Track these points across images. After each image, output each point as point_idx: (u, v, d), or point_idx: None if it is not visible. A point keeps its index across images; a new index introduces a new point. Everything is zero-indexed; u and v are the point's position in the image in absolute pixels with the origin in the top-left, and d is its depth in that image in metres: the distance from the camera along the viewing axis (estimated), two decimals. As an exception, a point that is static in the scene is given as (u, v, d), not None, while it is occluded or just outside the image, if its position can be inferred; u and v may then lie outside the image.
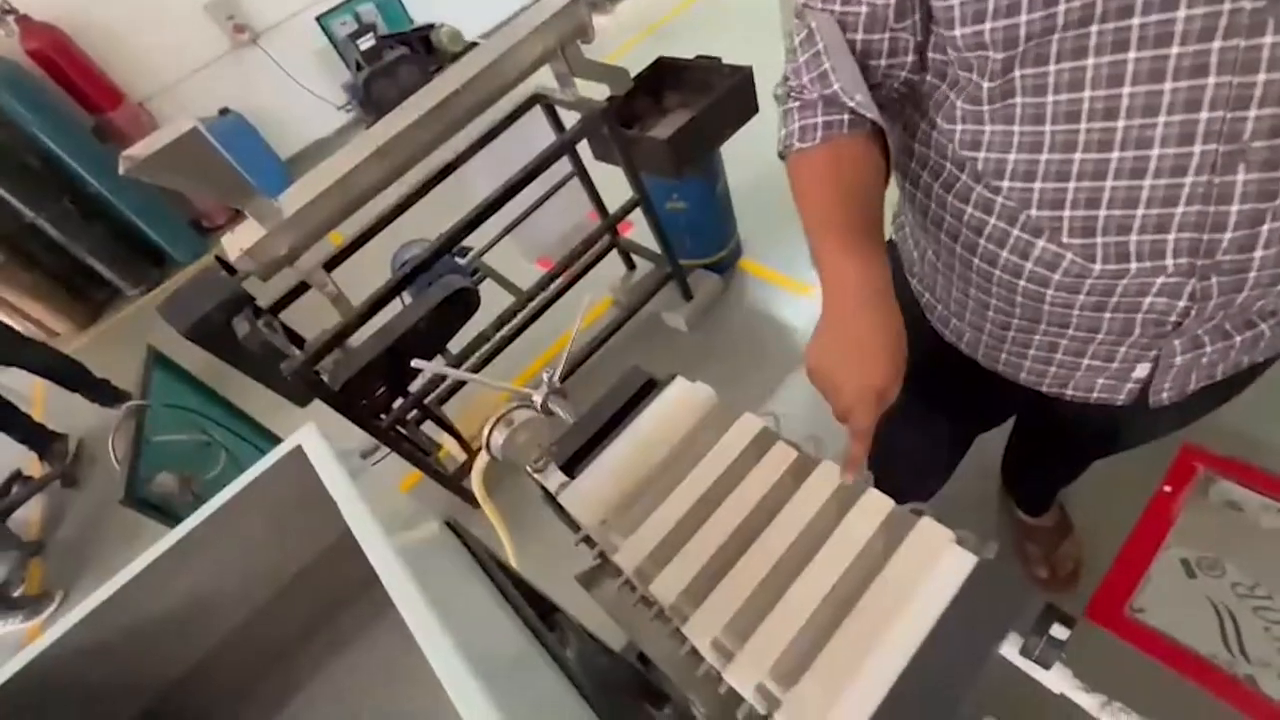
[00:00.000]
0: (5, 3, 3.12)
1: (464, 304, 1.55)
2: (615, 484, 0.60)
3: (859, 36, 0.57)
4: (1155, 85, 0.45)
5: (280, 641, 0.54)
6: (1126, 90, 0.46)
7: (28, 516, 2.67)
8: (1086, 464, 1.11)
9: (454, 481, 1.78)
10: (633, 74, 1.63)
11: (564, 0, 1.46)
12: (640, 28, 4.12)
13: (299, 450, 0.47)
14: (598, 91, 1.59)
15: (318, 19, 4.05)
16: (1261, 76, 0.43)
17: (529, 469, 0.64)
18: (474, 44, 3.94)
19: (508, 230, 1.95)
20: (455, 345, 1.67)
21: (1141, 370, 0.64)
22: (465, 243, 1.63)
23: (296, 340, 1.54)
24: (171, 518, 1.24)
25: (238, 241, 1.24)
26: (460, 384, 1.83)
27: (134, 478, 1.21)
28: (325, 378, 1.38)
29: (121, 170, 1.06)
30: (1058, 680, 0.49)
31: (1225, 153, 0.46)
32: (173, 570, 0.48)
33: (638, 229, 2.19)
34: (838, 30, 0.57)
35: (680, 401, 0.65)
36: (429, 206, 1.61)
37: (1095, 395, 0.69)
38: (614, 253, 2.16)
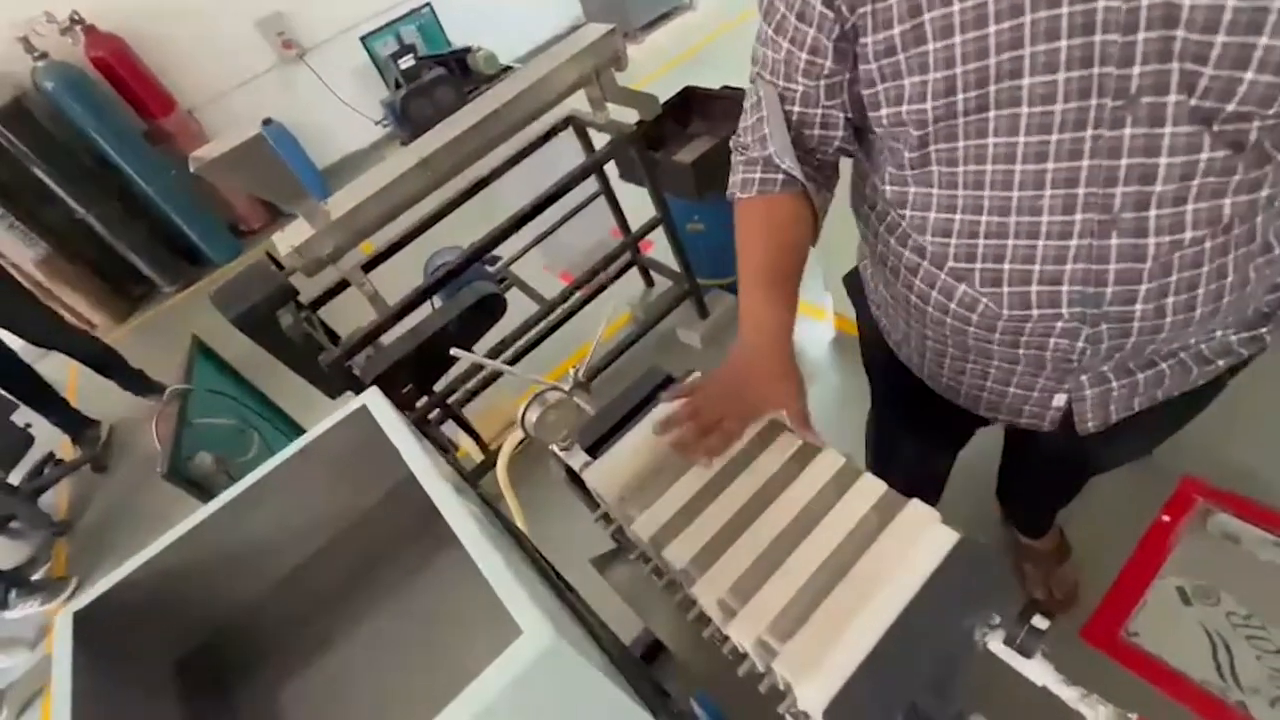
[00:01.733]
0: (75, 13, 3.32)
1: (491, 309, 1.63)
2: (634, 464, 0.66)
3: (795, 109, 0.65)
4: (1041, 165, 0.54)
5: (331, 585, 0.60)
6: (1019, 167, 0.55)
7: (56, 500, 2.77)
8: (1071, 486, 1.16)
9: (470, 481, 1.84)
10: (661, 101, 1.72)
11: (601, 31, 1.56)
12: (670, 58, 4.27)
13: (364, 409, 0.54)
14: (628, 115, 1.68)
15: (362, 38, 4.25)
16: (1124, 161, 0.51)
17: (556, 447, 0.70)
18: (509, 67, 4.11)
19: (536, 242, 2.04)
20: (481, 348, 1.74)
21: (1060, 400, 0.72)
22: (495, 252, 1.71)
23: (332, 336, 1.62)
24: (206, 493, 1.31)
25: (288, 239, 1.33)
26: (482, 387, 1.90)
27: (176, 455, 1.28)
28: (357, 371, 1.46)
29: (191, 168, 1.16)
30: (1040, 672, 0.53)
31: (1100, 221, 0.54)
32: (242, 513, 0.54)
33: (658, 247, 2.27)
34: (778, 102, 0.65)
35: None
36: (462, 216, 1.70)
37: (1024, 420, 0.77)
38: (634, 269, 2.24)
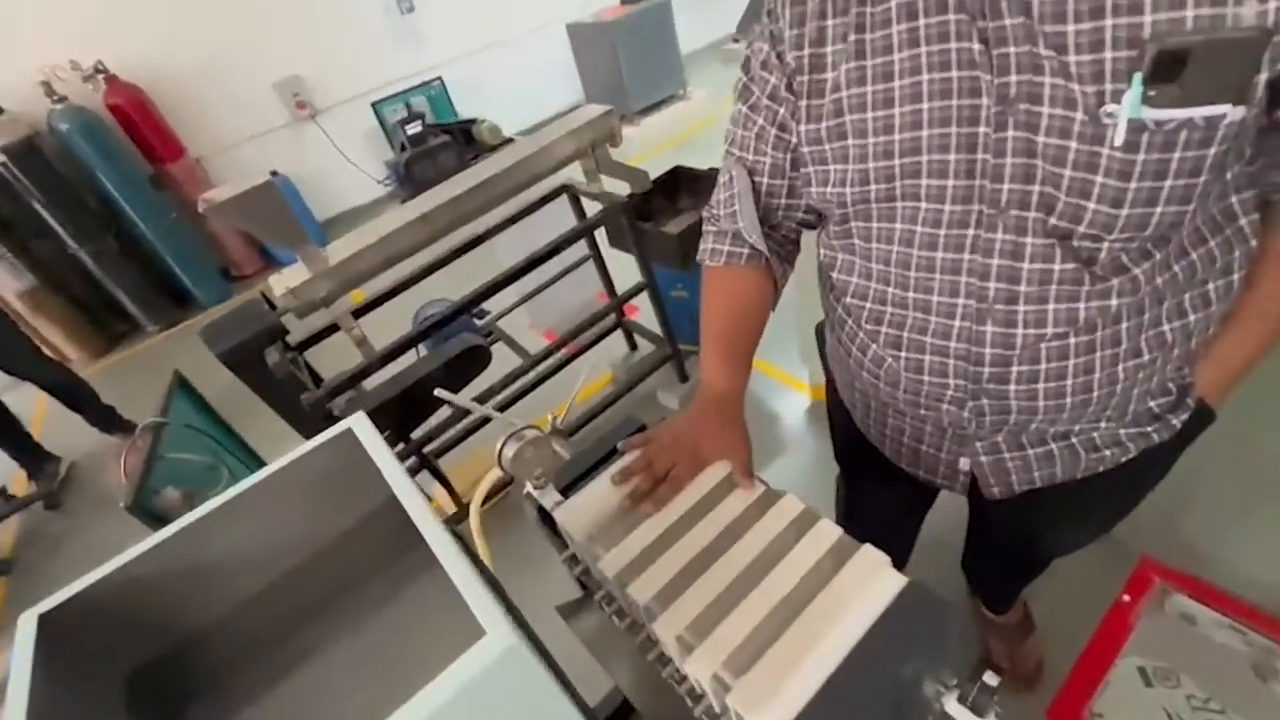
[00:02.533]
0: (100, 63, 3.48)
1: (476, 361, 1.67)
2: (603, 505, 0.69)
3: (765, 180, 0.73)
4: (932, 252, 0.62)
5: (299, 607, 0.60)
6: (916, 251, 0.63)
7: (1, 536, 2.65)
8: (1028, 564, 1.19)
9: (440, 533, 1.81)
10: (652, 177, 1.84)
11: (599, 110, 1.69)
12: (663, 140, 4.54)
13: (349, 432, 0.57)
14: (620, 188, 1.79)
15: (373, 104, 4.48)
16: (996, 260, 0.59)
17: (530, 484, 0.72)
18: (511, 139, 4.34)
19: (524, 300, 2.11)
20: (462, 399, 1.76)
21: (964, 464, 0.78)
22: (484, 306, 1.77)
23: (315, 380, 1.64)
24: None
25: (284, 281, 1.37)
26: (461, 439, 1.91)
27: (143, 488, 1.26)
28: (338, 413, 1.47)
29: (200, 209, 1.21)
30: None
31: (978, 308, 0.62)
32: (217, 527, 0.56)
33: (643, 313, 2.35)
34: (748, 179, 0.73)
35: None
36: (455, 271, 1.77)
37: (940, 480, 0.83)
38: (619, 332, 2.31)
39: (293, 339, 1.53)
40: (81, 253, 3.52)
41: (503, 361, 1.87)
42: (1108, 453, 0.73)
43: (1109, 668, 1.26)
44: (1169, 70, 0.47)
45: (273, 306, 1.40)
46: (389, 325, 1.77)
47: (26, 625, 0.47)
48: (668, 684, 0.61)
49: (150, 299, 3.86)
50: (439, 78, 4.76)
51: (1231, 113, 0.47)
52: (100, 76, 3.50)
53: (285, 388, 1.37)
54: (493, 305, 1.94)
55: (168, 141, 3.78)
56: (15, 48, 3.37)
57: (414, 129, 4.28)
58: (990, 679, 0.63)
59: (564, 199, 1.94)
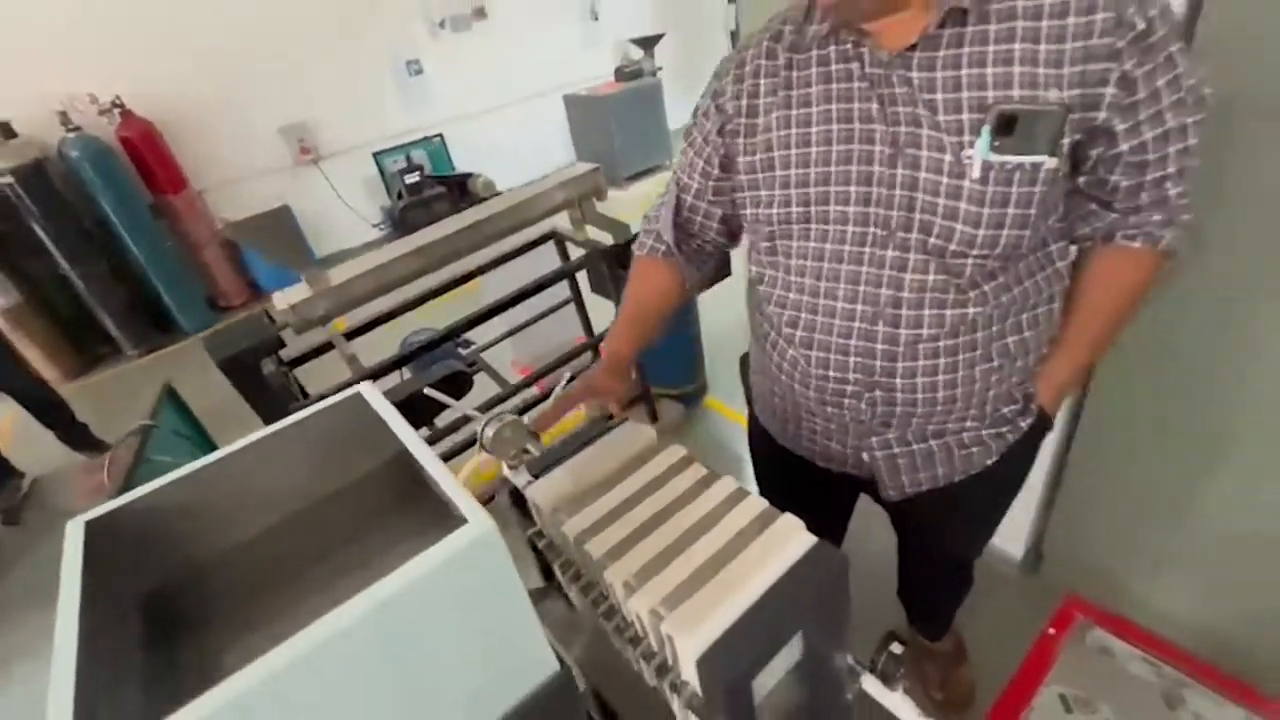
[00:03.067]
0: (117, 97, 3.67)
1: (458, 386, 1.77)
2: (570, 483, 0.79)
3: (689, 199, 0.92)
4: (837, 265, 0.79)
5: (302, 551, 0.69)
6: (825, 264, 0.80)
7: (-50, 550, 2.58)
8: (948, 578, 1.30)
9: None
10: (634, 231, 2.02)
11: (587, 168, 1.88)
12: (645, 201, 4.83)
13: (358, 395, 0.68)
14: (604, 238, 1.97)
15: (375, 154, 4.72)
16: (886, 272, 0.75)
17: (506, 464, 0.82)
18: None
19: (508, 334, 2.23)
20: (441, 421, 1.85)
21: (866, 458, 0.92)
22: (469, 337, 1.89)
23: (303, 394, 1.72)
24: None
25: (287, 298, 1.49)
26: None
27: (129, 485, 1.32)
28: (323, 425, 1.55)
29: (218, 226, 1.33)
30: (902, 707, 0.65)
31: (872, 312, 0.78)
32: (234, 467, 0.65)
33: (619, 356, 2.49)
34: (676, 193, 0.92)
35: (628, 435, 0.86)
36: (445, 308, 1.90)
37: (849, 468, 0.96)
38: (595, 373, 2.43)
39: (287, 354, 1.63)
40: (72, 273, 3.59)
41: (484, 392, 1.97)
42: (975, 451, 0.88)
43: (1033, 695, 1.35)
44: (1006, 127, 0.66)
45: (273, 322, 1.51)
46: (377, 351, 1.88)
47: (75, 530, 0.56)
48: (616, 660, 0.70)
49: (134, 323, 3.90)
50: (440, 134, 5.04)
51: (1048, 161, 0.66)
52: (116, 110, 3.67)
53: (276, 398, 1.46)
54: (479, 340, 2.06)
55: (172, 174, 3.93)
56: (38, 77, 3.55)
57: (412, 179, 4.51)
58: (896, 649, 0.74)
59: (551, 244, 2.10)
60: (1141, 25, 0.62)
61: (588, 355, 2.19)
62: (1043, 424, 0.90)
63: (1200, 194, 0.74)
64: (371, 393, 0.68)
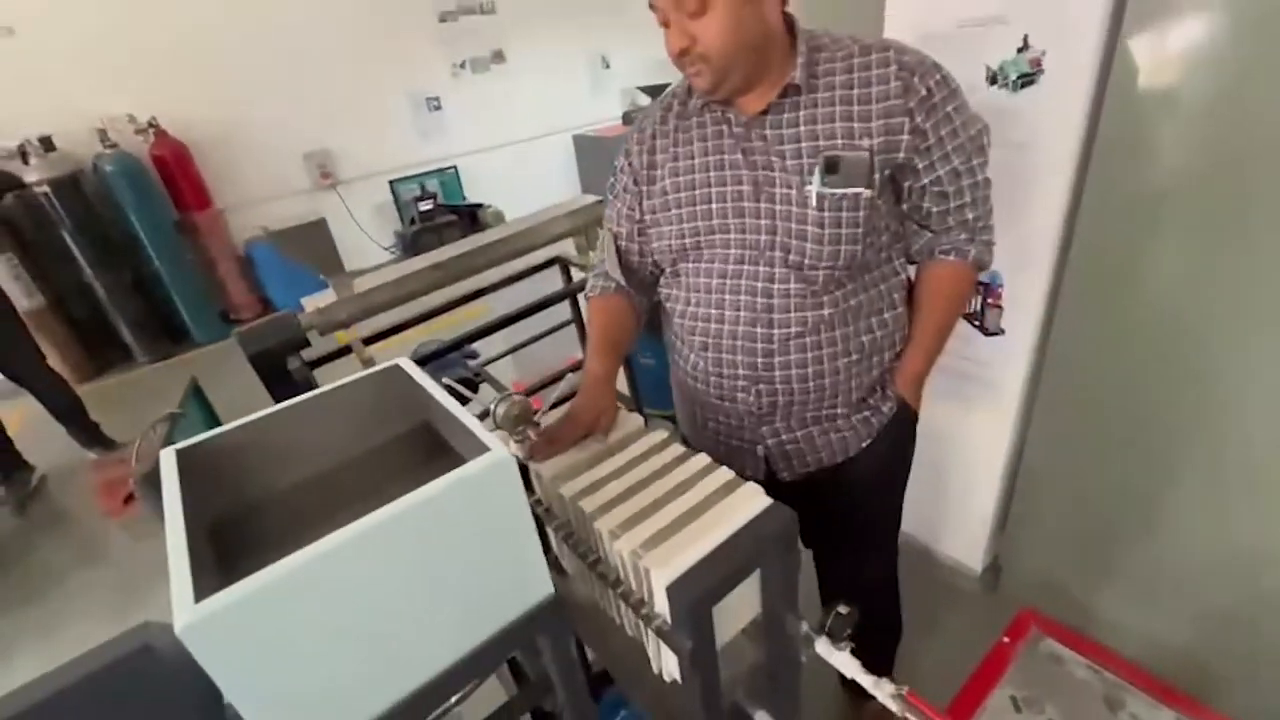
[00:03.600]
0: (154, 119, 3.89)
1: (461, 393, 1.90)
2: (568, 458, 0.92)
3: (622, 243, 1.08)
4: (723, 280, 0.98)
5: (338, 498, 0.80)
6: (715, 280, 0.99)
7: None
8: (868, 607, 1.39)
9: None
10: (633, 257, 2.18)
11: (593, 199, 2.06)
12: (648, 240, 5.03)
13: (397, 366, 0.82)
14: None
15: (391, 181, 4.95)
16: (760, 283, 0.95)
17: (513, 440, 0.95)
18: (512, 224, 4.79)
19: (511, 350, 2.37)
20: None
21: (760, 450, 1.09)
22: (476, 348, 2.03)
23: (319, 393, 1.85)
24: (174, 504, 1.44)
25: (315, 302, 1.63)
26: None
27: (157, 467, 1.44)
28: (338, 421, 1.67)
29: (261, 232, 1.49)
30: (848, 665, 0.77)
31: (752, 317, 0.97)
32: (286, 422, 0.78)
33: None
34: (613, 240, 1.09)
35: (619, 420, 0.99)
36: (454, 324, 2.04)
37: (749, 471, 1.12)
38: (591, 392, 2.56)
39: (309, 354, 1.77)
40: (95, 281, 3.75)
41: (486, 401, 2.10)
42: (848, 435, 1.06)
43: (986, 696, 1.45)
44: (832, 167, 0.88)
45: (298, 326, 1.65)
46: (389, 358, 2.01)
47: (169, 456, 0.69)
48: (599, 619, 0.81)
49: (148, 331, 4.04)
50: (454, 166, 5.29)
51: (865, 192, 0.88)
52: (151, 130, 3.89)
53: (298, 393, 1.58)
54: (486, 352, 2.20)
55: (199, 192, 4.13)
56: (82, 96, 3.78)
57: (425, 206, 4.73)
58: (842, 609, 0.86)
59: (556, 269, 2.26)
60: (924, 91, 0.86)
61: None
62: (905, 411, 1.09)
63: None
64: (409, 365, 0.82)
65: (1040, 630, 1.58)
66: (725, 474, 0.84)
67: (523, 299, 2.14)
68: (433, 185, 5.17)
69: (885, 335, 1.02)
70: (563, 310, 2.27)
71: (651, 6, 0.86)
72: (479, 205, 4.93)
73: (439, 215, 4.82)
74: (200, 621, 0.46)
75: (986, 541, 1.69)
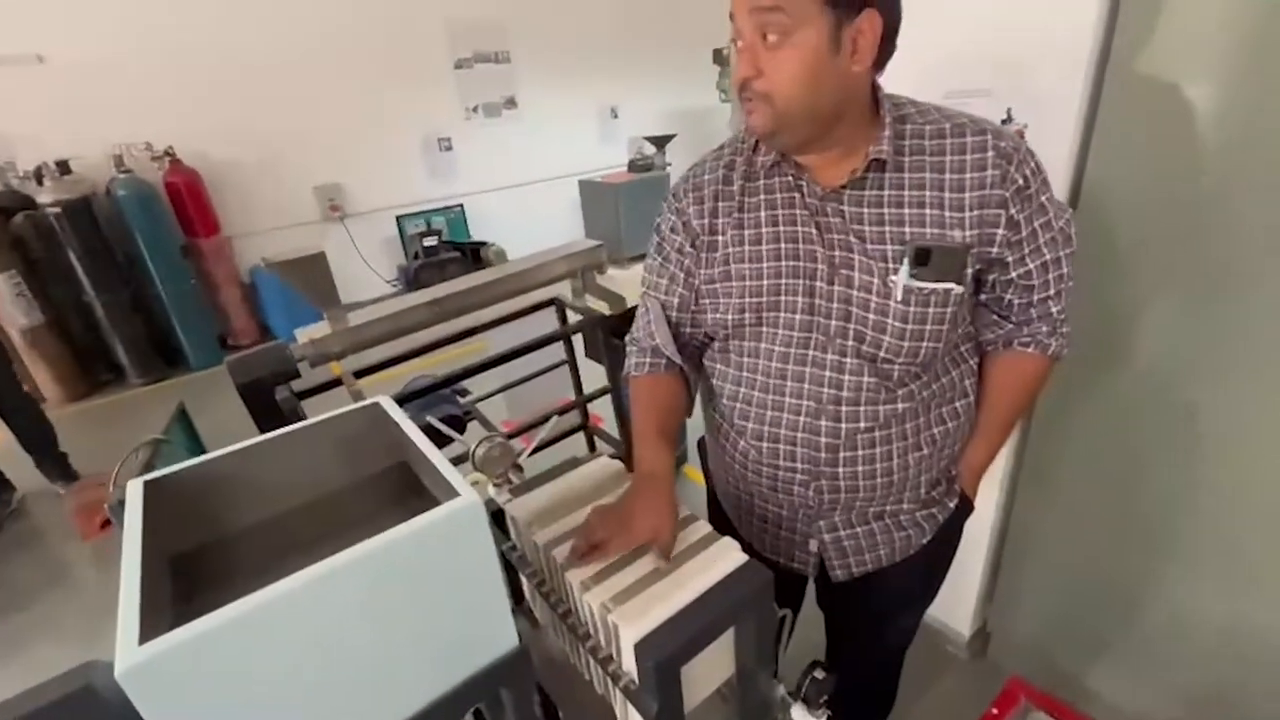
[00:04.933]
0: (170, 148, 3.99)
1: (444, 433, 1.89)
2: (544, 502, 0.91)
3: (674, 314, 0.96)
4: (784, 365, 0.89)
5: (305, 537, 0.79)
6: (773, 364, 0.89)
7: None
8: (872, 684, 1.34)
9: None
10: (629, 304, 2.21)
11: (592, 243, 2.10)
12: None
13: (376, 405, 0.81)
14: (601, 308, 2.15)
15: (398, 217, 5.04)
16: (827, 373, 0.86)
17: (491, 483, 0.94)
18: (514, 263, 4.87)
19: (503, 389, 2.37)
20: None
21: (814, 545, 1.01)
22: (466, 385, 2.03)
23: (306, 424, 1.84)
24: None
25: (309, 333, 1.64)
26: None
27: (135, 489, 1.42)
28: (322, 454, 1.66)
29: (261, 264, 1.51)
30: None
31: (815, 407, 0.89)
32: (256, 457, 0.76)
33: (606, 424, 2.62)
34: (661, 309, 0.96)
35: (600, 466, 0.99)
36: (447, 360, 2.05)
37: (796, 564, 1.04)
38: (580, 436, 2.55)
39: (299, 385, 1.76)
40: (96, 301, 3.77)
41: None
42: (911, 532, 0.99)
43: (974, 769, 1.39)
44: (922, 259, 0.80)
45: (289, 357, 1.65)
46: (380, 393, 2.00)
47: (135, 488, 0.68)
48: (568, 672, 0.79)
49: (144, 353, 4.04)
50: (461, 204, 5.40)
51: (956, 288, 0.81)
52: (167, 158, 3.99)
53: (285, 423, 1.57)
54: (477, 392, 2.20)
55: (207, 220, 4.20)
56: (103, 123, 3.89)
57: (430, 242, 4.80)
58: (819, 674, 0.84)
59: (552, 310, 2.29)
60: (1020, 181, 0.78)
61: (574, 414, 2.33)
62: (965, 504, 1.02)
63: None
64: (388, 403, 0.82)
65: (1029, 701, 1.53)
66: (703, 527, 0.83)
67: (518, 338, 2.16)
68: (439, 222, 5.27)
69: (957, 426, 0.94)
70: (556, 351, 2.28)
71: (731, 16, 0.76)
72: (482, 243, 5.01)
73: (442, 251, 4.90)
74: (142, 665, 0.45)
75: (975, 607, 1.65)
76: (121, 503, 1.36)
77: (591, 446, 2.61)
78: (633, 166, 5.73)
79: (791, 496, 0.95)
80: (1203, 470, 1.22)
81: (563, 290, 2.22)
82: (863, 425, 0.87)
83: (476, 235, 5.43)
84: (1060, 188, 1.17)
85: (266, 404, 1.56)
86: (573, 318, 2.24)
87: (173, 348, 4.20)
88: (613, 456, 0.98)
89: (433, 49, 5.08)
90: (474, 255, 4.96)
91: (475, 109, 5.43)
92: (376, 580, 0.56)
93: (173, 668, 0.46)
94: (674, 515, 0.80)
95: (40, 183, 3.59)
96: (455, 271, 4.76)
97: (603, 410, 2.46)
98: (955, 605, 1.68)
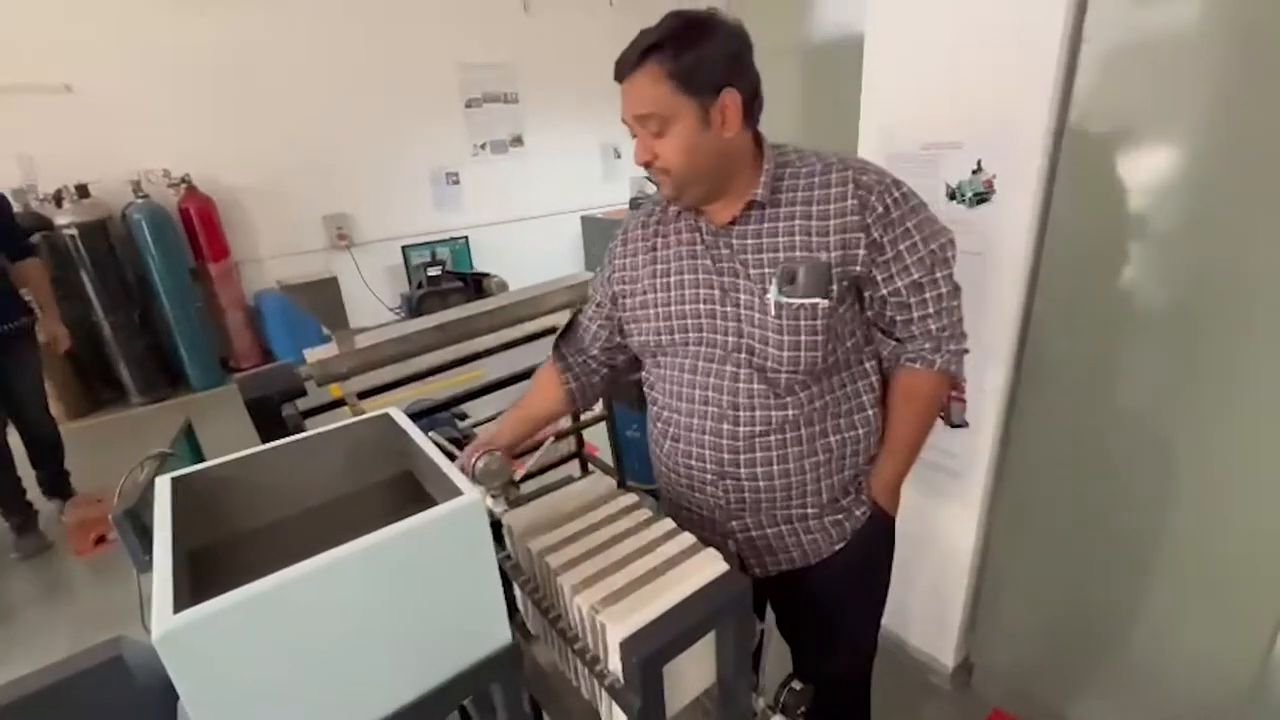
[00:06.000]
0: (187, 175, 4.13)
1: (447, 449, 1.94)
2: (539, 514, 0.96)
3: (584, 320, 1.21)
4: (693, 376, 1.04)
5: (315, 538, 0.84)
6: (685, 376, 1.05)
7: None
8: (839, 701, 1.35)
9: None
10: (625, 332, 2.28)
11: (590, 276, 2.18)
12: (646, 318, 5.20)
13: (387, 415, 0.88)
14: (598, 336, 2.22)
15: (403, 247, 5.17)
16: (726, 382, 0.99)
17: (490, 495, 1.00)
18: (515, 294, 4.97)
19: (501, 414, 2.42)
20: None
21: (732, 545, 1.09)
22: (465, 410, 2.08)
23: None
24: (149, 540, 1.45)
25: (317, 354, 1.70)
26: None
27: (142, 500, 1.46)
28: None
29: (276, 286, 1.59)
30: None
31: (716, 413, 1.01)
32: (273, 461, 0.82)
33: (602, 452, 2.66)
34: (578, 326, 1.22)
35: (592, 483, 1.04)
36: (448, 388, 2.11)
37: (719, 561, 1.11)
38: (576, 461, 2.59)
39: (304, 404, 1.82)
40: (104, 321, 3.84)
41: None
42: (819, 536, 1.07)
43: (954, 801, 1.40)
44: (790, 278, 0.92)
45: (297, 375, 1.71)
46: (382, 412, 2.06)
47: (164, 484, 0.74)
48: (557, 681, 0.83)
49: (148, 373, 4.09)
50: (465, 236, 5.54)
51: (822, 302, 0.92)
52: (183, 185, 4.12)
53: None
54: (476, 418, 2.26)
55: (218, 245, 4.31)
56: (124, 150, 4.04)
57: (434, 272, 4.92)
58: (796, 685, 0.88)
59: (551, 339, 2.36)
60: (880, 208, 0.90)
61: (570, 440, 2.38)
62: (880, 516, 1.09)
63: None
64: (398, 413, 0.88)
65: (1011, 734, 1.55)
66: (687, 539, 0.88)
67: (517, 365, 2.22)
68: (443, 253, 5.39)
69: (854, 437, 1.03)
70: (554, 378, 2.34)
71: (624, 120, 0.94)
72: (485, 274, 5.12)
73: (445, 281, 5.00)
74: (176, 631, 0.50)
75: (958, 638, 1.68)
76: (126, 513, 1.41)
77: (585, 473, 2.64)
78: (633, 204, 5.90)
79: (706, 496, 1.07)
80: (1179, 502, 1.27)
81: (562, 320, 2.29)
82: (758, 429, 0.99)
83: (480, 266, 5.55)
84: (1026, 230, 1.26)
85: (273, 420, 1.62)
86: (571, 346, 2.31)
87: (175, 368, 4.26)
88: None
89: (445, 88, 5.29)
90: (476, 286, 5.06)
91: (483, 145, 5.62)
92: (385, 569, 0.61)
93: (200, 636, 0.51)
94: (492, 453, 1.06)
95: (59, 205, 3.70)
96: (457, 300, 4.85)
97: (598, 440, 2.51)
98: (938, 636, 1.70)
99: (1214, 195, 1.07)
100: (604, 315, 1.16)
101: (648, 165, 0.94)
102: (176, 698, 0.68)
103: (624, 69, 0.91)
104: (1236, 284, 1.09)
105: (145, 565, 1.05)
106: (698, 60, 0.85)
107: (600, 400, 2.27)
